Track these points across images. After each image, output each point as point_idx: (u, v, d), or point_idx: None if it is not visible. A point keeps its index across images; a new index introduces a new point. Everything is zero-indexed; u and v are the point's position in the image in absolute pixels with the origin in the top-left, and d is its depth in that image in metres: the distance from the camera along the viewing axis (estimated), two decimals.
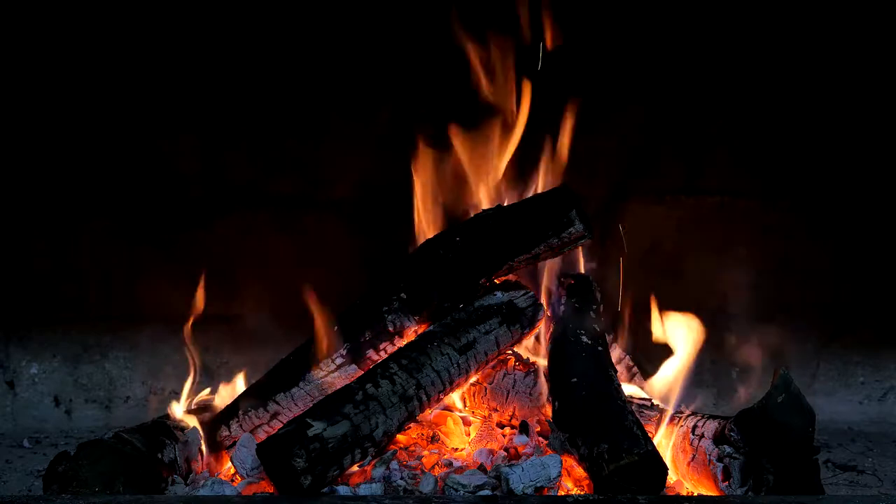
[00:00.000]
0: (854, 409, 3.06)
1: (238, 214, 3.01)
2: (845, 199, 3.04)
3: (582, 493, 1.94)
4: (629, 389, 2.33)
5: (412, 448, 2.12)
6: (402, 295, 2.23)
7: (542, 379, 2.22)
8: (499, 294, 2.23)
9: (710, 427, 1.98)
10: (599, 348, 2.18)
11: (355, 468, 1.94)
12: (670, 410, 2.12)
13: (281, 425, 2.03)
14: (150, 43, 2.90)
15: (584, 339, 2.18)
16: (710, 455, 1.93)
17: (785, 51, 2.95)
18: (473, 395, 2.30)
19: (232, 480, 2.06)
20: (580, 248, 2.38)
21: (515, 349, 2.31)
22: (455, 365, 2.09)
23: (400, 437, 2.10)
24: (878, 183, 3.03)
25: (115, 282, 3.01)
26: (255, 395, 2.21)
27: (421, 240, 2.39)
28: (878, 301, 3.07)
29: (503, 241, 2.22)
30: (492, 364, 2.24)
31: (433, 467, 2.03)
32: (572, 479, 1.98)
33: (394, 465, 1.99)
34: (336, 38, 2.92)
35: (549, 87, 2.65)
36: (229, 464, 2.13)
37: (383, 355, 2.19)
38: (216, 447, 2.17)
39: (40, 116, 2.93)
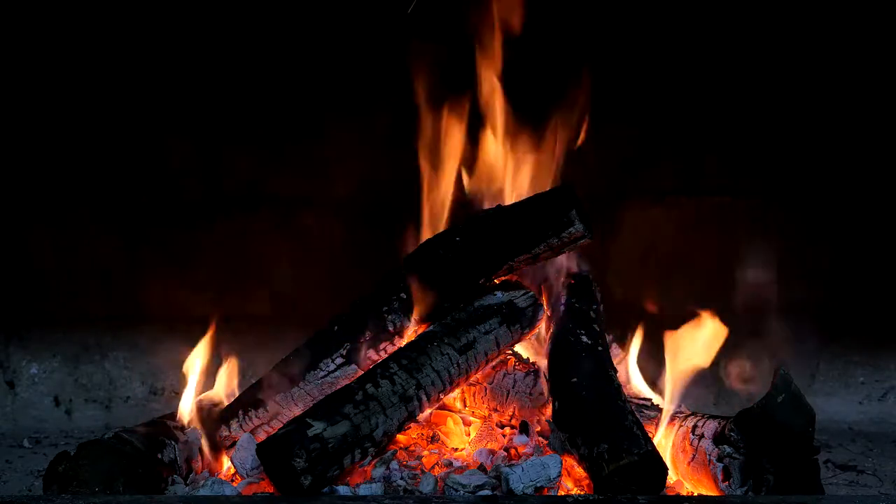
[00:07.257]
0: (854, 409, 3.06)
1: (238, 214, 3.01)
2: (845, 199, 3.03)
3: (582, 493, 1.94)
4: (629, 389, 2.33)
5: (412, 448, 2.12)
6: (402, 295, 2.23)
7: (542, 379, 2.22)
8: (499, 294, 2.22)
9: (710, 427, 1.98)
10: (599, 348, 2.17)
11: (355, 468, 1.94)
12: (671, 410, 2.12)
13: (281, 425, 2.03)
14: (149, 42, 2.90)
15: (584, 339, 2.18)
16: (710, 455, 1.93)
17: (784, 51, 2.94)
18: (473, 395, 2.29)
19: (232, 480, 2.06)
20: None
21: (515, 349, 2.31)
22: (455, 365, 2.09)
23: (400, 437, 2.10)
24: (878, 183, 3.02)
25: (115, 282, 3.01)
26: (255, 396, 2.21)
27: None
28: (878, 301, 3.06)
29: (503, 240, 2.21)
30: (492, 364, 2.24)
31: (433, 467, 2.03)
32: (572, 479, 1.98)
33: (394, 465, 1.99)
34: (336, 37, 2.92)
35: (547, 88, 2.66)
36: (229, 464, 2.13)
37: (383, 355, 2.18)
38: (216, 447, 2.17)
39: (40, 116, 2.93)
